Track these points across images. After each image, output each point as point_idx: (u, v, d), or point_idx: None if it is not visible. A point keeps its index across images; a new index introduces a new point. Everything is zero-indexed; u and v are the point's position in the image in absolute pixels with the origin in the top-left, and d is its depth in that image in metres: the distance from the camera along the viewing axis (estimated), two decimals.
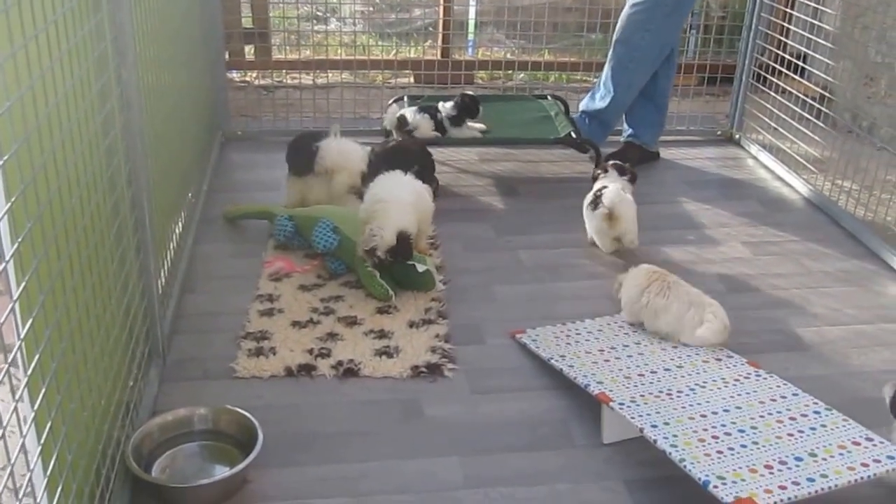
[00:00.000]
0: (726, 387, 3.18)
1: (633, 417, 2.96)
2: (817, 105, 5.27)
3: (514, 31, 6.67)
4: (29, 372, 1.92)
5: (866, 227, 4.70)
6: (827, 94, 5.31)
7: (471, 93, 5.49)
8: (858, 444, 2.85)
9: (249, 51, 6.86)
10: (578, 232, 4.62)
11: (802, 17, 5.56)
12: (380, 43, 7.29)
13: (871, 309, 4.04)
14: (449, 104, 5.32)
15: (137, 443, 2.82)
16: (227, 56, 6.05)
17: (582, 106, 5.65)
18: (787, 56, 5.59)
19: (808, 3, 5.56)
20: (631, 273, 3.71)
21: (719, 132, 6.19)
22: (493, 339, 3.67)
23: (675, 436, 2.85)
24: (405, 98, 5.68)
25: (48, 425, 2.04)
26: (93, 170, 2.58)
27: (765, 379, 3.24)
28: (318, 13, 7.45)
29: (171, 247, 3.88)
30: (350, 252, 3.97)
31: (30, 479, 1.91)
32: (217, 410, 3.02)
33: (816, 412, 3.03)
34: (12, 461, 1.80)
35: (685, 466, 2.71)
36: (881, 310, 4.04)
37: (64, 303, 2.23)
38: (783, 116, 5.56)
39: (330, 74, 6.34)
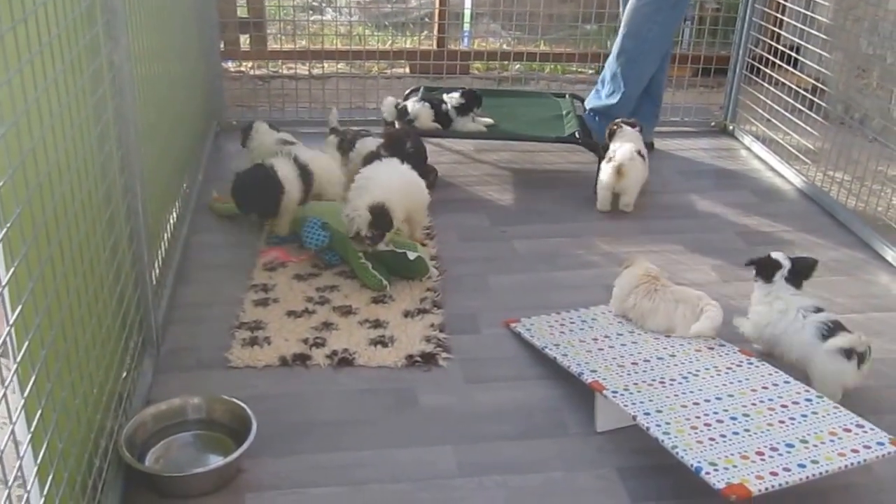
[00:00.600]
0: (719, 375, 3.19)
1: (626, 405, 2.97)
2: (810, 96, 5.29)
3: (510, 21, 6.68)
4: (18, 359, 1.92)
5: (858, 218, 4.72)
6: (820, 86, 5.32)
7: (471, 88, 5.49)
8: (849, 430, 2.86)
9: (245, 40, 6.86)
10: (573, 222, 4.65)
11: (796, 8, 5.58)
12: (376, 33, 7.29)
13: (862, 298, 4.06)
14: (455, 94, 5.32)
15: (131, 432, 2.82)
16: (222, 46, 6.05)
17: (589, 104, 5.61)
18: (780, 48, 5.60)
19: None
20: (629, 268, 3.71)
21: (713, 123, 6.21)
22: (488, 329, 3.68)
23: (667, 423, 2.86)
24: (421, 89, 5.68)
25: (38, 413, 2.04)
26: (84, 156, 2.58)
27: (757, 367, 3.25)
28: (314, 3, 7.46)
29: (166, 236, 3.89)
30: (342, 245, 3.97)
31: (20, 468, 1.91)
32: (211, 400, 3.02)
33: (808, 400, 3.04)
34: (2, 449, 1.80)
35: (678, 453, 2.72)
36: (872, 299, 4.07)
37: (54, 290, 2.23)
38: (777, 108, 5.57)
39: (326, 65, 6.35)
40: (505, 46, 7.09)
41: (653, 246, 4.40)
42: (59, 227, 2.31)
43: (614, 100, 5.43)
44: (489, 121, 5.35)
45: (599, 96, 5.54)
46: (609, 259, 4.22)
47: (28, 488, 1.97)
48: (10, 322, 1.89)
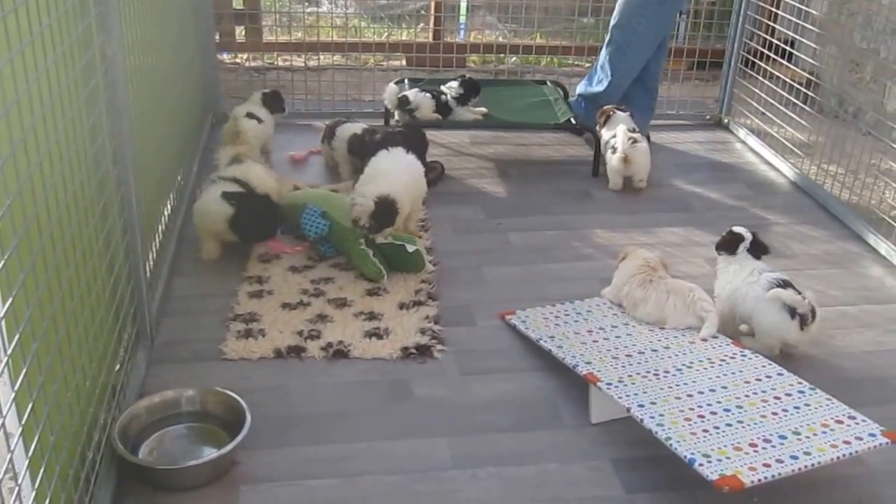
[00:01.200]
0: (712, 367, 3.20)
1: (620, 397, 2.98)
2: (805, 90, 5.30)
3: (506, 14, 6.67)
4: (9, 351, 1.91)
5: (851, 211, 4.73)
6: (814, 80, 5.33)
7: (469, 75, 5.50)
8: (841, 422, 2.87)
9: (240, 32, 6.84)
10: (568, 214, 4.66)
11: (791, 2, 5.58)
12: (372, 25, 7.29)
13: (855, 290, 4.08)
14: (454, 83, 5.33)
15: (124, 425, 2.82)
16: (217, 37, 6.04)
17: (579, 90, 5.67)
18: (775, 41, 5.61)
19: None
20: (630, 257, 3.72)
21: (708, 116, 6.23)
22: (483, 321, 3.69)
23: (661, 415, 2.87)
24: (406, 81, 5.69)
25: (30, 406, 2.03)
26: (76, 147, 2.58)
27: (750, 359, 3.26)
28: None
29: (161, 228, 3.89)
30: (340, 236, 3.97)
31: (10, 461, 1.91)
32: (205, 392, 3.02)
33: (801, 391, 3.05)
34: None
35: (671, 445, 2.73)
36: (865, 291, 4.08)
37: (46, 281, 2.23)
38: (771, 101, 5.59)
39: (322, 57, 6.33)
40: (501, 39, 7.09)
41: (647, 238, 4.41)
42: (51, 219, 2.30)
43: (601, 87, 5.47)
44: (483, 110, 5.37)
45: (590, 83, 5.58)
46: (604, 251, 4.23)
47: (19, 481, 1.97)
48: (1, 314, 1.88)
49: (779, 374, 3.15)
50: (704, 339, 3.38)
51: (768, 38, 5.66)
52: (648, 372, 3.15)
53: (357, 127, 4.83)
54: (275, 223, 4.06)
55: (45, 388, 2.16)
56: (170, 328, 3.54)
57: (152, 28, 3.83)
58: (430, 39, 7.02)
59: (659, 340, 3.39)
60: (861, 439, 2.79)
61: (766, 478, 2.60)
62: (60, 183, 2.40)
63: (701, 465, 2.64)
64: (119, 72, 2.97)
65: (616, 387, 3.04)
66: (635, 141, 4.90)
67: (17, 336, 1.96)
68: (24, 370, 2.00)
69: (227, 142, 4.87)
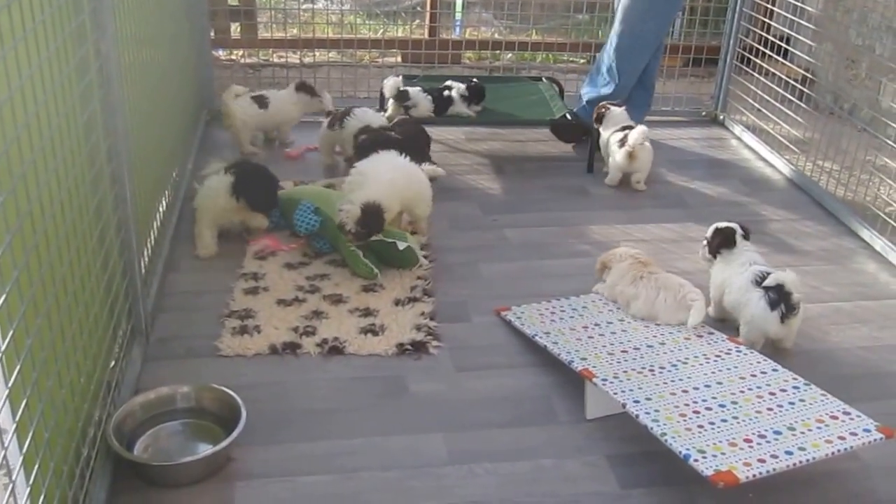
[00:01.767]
0: (707, 363, 3.21)
1: (615, 393, 2.98)
2: (800, 87, 5.31)
3: (502, 10, 6.67)
4: (3, 347, 1.91)
5: (846, 207, 4.74)
6: (810, 76, 5.34)
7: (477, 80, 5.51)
8: (836, 418, 2.88)
9: (235, 28, 6.84)
10: (564, 211, 4.66)
11: None
12: (367, 22, 7.28)
13: (850, 287, 4.08)
14: (461, 85, 5.37)
15: (119, 421, 2.82)
16: (212, 34, 6.03)
17: (585, 95, 5.58)
18: (771, 38, 5.62)
19: None
20: (617, 258, 3.72)
21: (704, 113, 6.24)
22: (479, 317, 3.69)
23: (656, 411, 2.88)
24: (400, 77, 5.68)
25: (24, 402, 2.03)
26: (70, 144, 2.58)
27: (745, 355, 3.26)
28: None
29: (156, 225, 3.88)
30: (333, 232, 3.97)
31: (4, 457, 1.91)
32: (200, 388, 3.02)
33: (795, 387, 3.06)
34: None
35: (666, 440, 2.74)
36: (860, 287, 4.09)
37: (40, 278, 2.23)
38: (767, 98, 5.59)
39: (317, 53, 6.33)
40: (497, 36, 7.09)
41: (643, 234, 4.42)
42: (45, 215, 2.30)
43: (609, 90, 5.43)
44: (478, 108, 5.38)
45: (595, 87, 5.52)
46: (600, 248, 4.22)
47: (13, 477, 1.96)
48: None
49: (774, 370, 3.16)
50: (696, 330, 3.41)
51: (764, 34, 5.67)
52: (644, 368, 3.16)
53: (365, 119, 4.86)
54: (274, 188, 4.14)
55: (40, 385, 2.16)
56: (165, 325, 3.53)
57: (147, 24, 3.82)
58: (426, 36, 7.02)
59: (654, 336, 3.39)
60: (856, 435, 2.79)
61: (761, 473, 2.60)
62: (55, 179, 2.40)
63: (696, 460, 2.64)
64: (113, 68, 2.96)
65: (611, 382, 3.04)
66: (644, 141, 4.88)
67: (10, 332, 1.96)
68: (19, 366, 2.00)
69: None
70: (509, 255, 4.22)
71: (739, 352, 3.28)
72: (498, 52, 7.03)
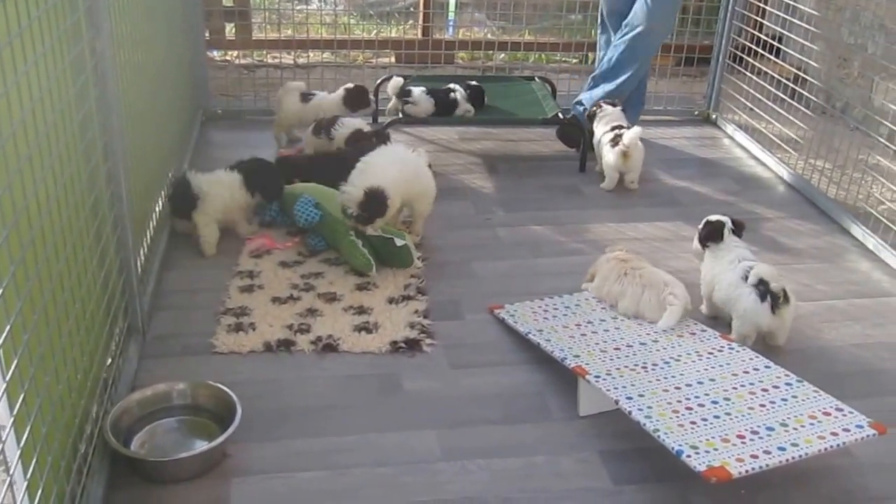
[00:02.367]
0: (700, 360, 3.22)
1: (608, 390, 3.00)
2: (793, 86, 5.33)
3: (495, 11, 6.69)
4: (0, 342, 1.93)
5: (838, 206, 4.76)
6: (802, 75, 5.36)
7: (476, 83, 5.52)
8: (829, 414, 2.89)
9: (230, 29, 6.85)
10: (557, 210, 4.68)
11: None
12: (361, 22, 7.29)
13: (843, 285, 4.10)
14: (460, 87, 5.39)
15: (116, 418, 2.83)
16: (207, 35, 6.04)
17: (587, 101, 5.51)
18: (763, 37, 5.64)
19: None
20: (603, 262, 3.75)
21: (696, 112, 6.26)
22: (472, 315, 3.71)
23: (649, 407, 2.89)
24: (392, 78, 5.72)
25: (21, 397, 2.04)
26: (66, 141, 2.59)
27: (737, 352, 3.28)
28: None
29: (151, 224, 3.90)
30: (331, 228, 3.99)
31: (3, 451, 1.92)
32: (196, 385, 3.04)
33: (788, 384, 3.07)
34: None
35: (659, 437, 2.75)
36: (852, 285, 4.11)
37: (36, 274, 2.24)
38: (759, 97, 5.62)
39: (311, 54, 6.35)
40: (490, 36, 7.10)
41: (635, 233, 4.44)
42: (41, 212, 2.31)
43: (610, 86, 5.42)
44: (469, 107, 5.39)
45: (597, 91, 5.50)
46: (592, 246, 4.25)
47: (11, 471, 1.98)
48: None
49: (766, 367, 3.18)
50: (689, 327, 3.44)
51: (756, 33, 5.69)
52: (636, 365, 3.17)
53: (357, 122, 4.87)
54: (281, 177, 4.27)
55: (37, 380, 2.18)
56: (161, 322, 3.55)
57: (142, 24, 3.83)
58: (419, 36, 7.03)
59: (647, 334, 3.41)
60: (848, 431, 2.80)
61: (753, 469, 2.61)
62: (50, 176, 2.41)
63: (689, 456, 2.65)
64: (109, 67, 2.97)
65: (604, 379, 3.06)
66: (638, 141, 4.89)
67: (7, 327, 1.97)
68: (15, 361, 2.01)
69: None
70: (502, 253, 4.24)
71: (732, 349, 3.30)
72: (491, 52, 7.05)
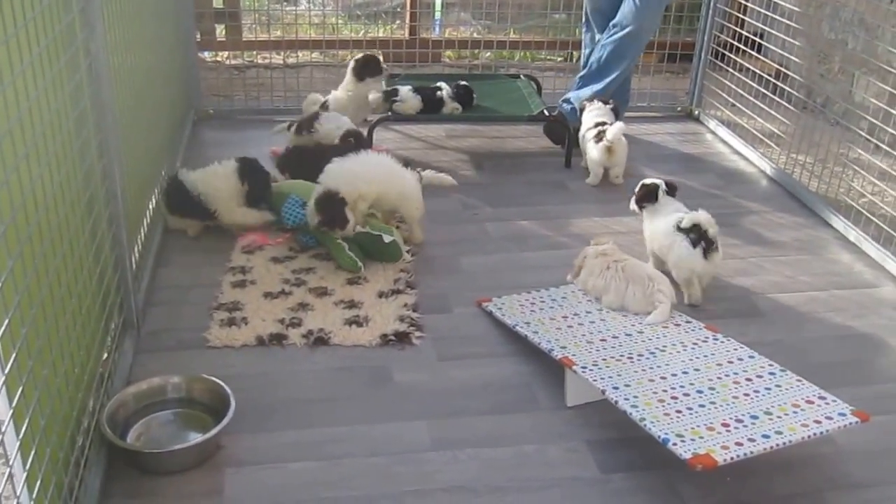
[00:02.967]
0: (685, 350, 3.27)
1: (595, 380, 3.04)
2: (774, 81, 5.39)
3: (481, 10, 6.73)
4: None
5: (820, 199, 4.82)
6: (784, 71, 5.41)
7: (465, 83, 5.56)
8: (812, 402, 2.93)
9: (220, 31, 6.86)
10: (543, 205, 4.73)
11: None
12: (349, 23, 7.33)
13: (825, 276, 4.16)
14: (447, 87, 5.40)
15: (112, 411, 2.87)
16: (198, 36, 6.06)
17: (574, 99, 5.54)
18: (745, 33, 5.69)
19: None
20: (589, 255, 3.81)
21: (679, 108, 6.31)
22: (460, 308, 3.75)
23: (635, 397, 2.93)
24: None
25: (20, 390, 2.07)
26: (62, 140, 2.63)
27: (722, 342, 3.33)
28: None
29: (146, 221, 3.94)
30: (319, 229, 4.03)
31: (2, 443, 1.95)
32: (190, 379, 3.08)
33: (771, 373, 3.11)
34: None
35: (645, 425, 2.79)
36: (834, 277, 4.16)
37: (34, 269, 2.27)
38: (741, 92, 5.67)
39: (300, 54, 6.38)
40: (476, 35, 7.15)
41: (620, 227, 4.49)
42: (38, 209, 2.35)
43: (598, 86, 5.47)
44: (457, 105, 5.43)
45: (587, 90, 5.53)
46: (578, 240, 4.29)
47: (11, 463, 2.01)
48: None
49: (750, 357, 3.22)
50: (673, 319, 3.49)
51: (738, 30, 5.74)
52: (622, 355, 3.22)
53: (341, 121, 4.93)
54: (269, 184, 4.32)
55: (35, 373, 2.21)
56: (156, 317, 3.59)
57: (134, 26, 3.85)
58: (407, 36, 7.07)
59: (633, 325, 3.45)
60: (831, 419, 2.84)
61: (738, 456, 2.64)
62: (47, 174, 2.45)
63: (674, 444, 2.68)
64: (103, 67, 3.01)
65: (591, 370, 3.10)
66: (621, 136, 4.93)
67: (6, 321, 2.00)
68: (14, 354, 2.04)
69: None
70: (490, 248, 4.29)
71: (716, 339, 3.34)
72: (477, 50, 7.09)
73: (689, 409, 2.88)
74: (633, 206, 4.10)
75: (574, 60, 6.78)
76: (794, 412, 2.88)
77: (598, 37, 5.56)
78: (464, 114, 5.40)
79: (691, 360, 3.20)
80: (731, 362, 3.19)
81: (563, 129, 5.34)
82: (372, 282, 3.86)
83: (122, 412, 2.93)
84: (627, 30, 5.30)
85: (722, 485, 2.82)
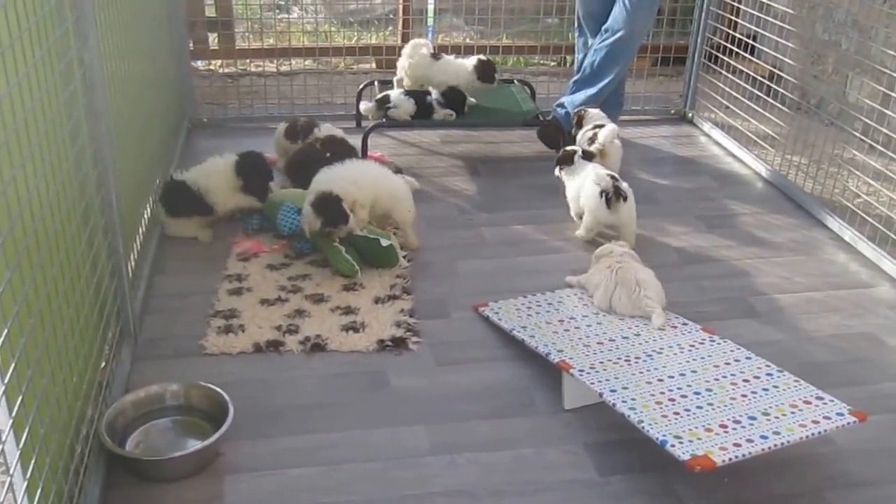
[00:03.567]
0: (682, 352, 3.27)
1: (592, 383, 3.04)
2: (768, 83, 5.40)
3: (473, 16, 6.74)
4: None
5: (815, 200, 4.83)
6: (777, 72, 5.43)
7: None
8: (809, 402, 2.93)
9: (213, 39, 6.87)
10: (538, 209, 4.74)
11: None
12: (341, 30, 7.33)
13: (820, 276, 4.17)
14: (436, 92, 5.38)
15: (111, 419, 2.87)
16: (191, 45, 6.07)
17: (569, 104, 5.54)
18: (738, 36, 5.71)
19: None
20: (606, 252, 3.83)
21: (673, 111, 6.32)
22: (457, 313, 3.75)
23: (633, 399, 2.93)
24: (375, 83, 5.79)
25: (19, 399, 2.08)
26: (57, 149, 2.63)
27: (719, 344, 3.33)
28: (281, 2, 7.50)
29: (141, 230, 3.94)
30: (315, 235, 4.03)
31: (3, 452, 1.96)
32: (188, 386, 3.08)
33: (769, 374, 3.12)
34: None
35: (643, 427, 2.79)
36: (829, 277, 4.17)
37: (32, 279, 2.28)
38: (735, 94, 5.68)
39: (293, 62, 6.39)
40: (468, 40, 7.15)
41: (613, 233, 4.45)
42: (35, 219, 2.35)
43: (592, 90, 5.48)
44: (449, 111, 5.43)
45: (581, 95, 5.54)
46: (573, 244, 4.32)
47: (11, 472, 2.01)
48: None
49: (747, 358, 3.22)
50: (670, 321, 3.49)
51: (731, 32, 5.76)
52: (619, 358, 3.22)
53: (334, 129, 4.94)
54: (268, 180, 4.40)
55: (34, 383, 2.21)
56: (152, 326, 3.59)
57: (128, 35, 3.86)
58: (399, 42, 7.07)
59: (629, 328, 3.46)
60: (829, 419, 2.84)
61: (736, 457, 2.64)
62: (43, 184, 2.45)
63: (672, 446, 2.68)
64: (97, 76, 3.01)
65: (588, 373, 3.10)
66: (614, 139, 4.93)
67: (5, 331, 2.00)
68: (13, 364, 2.04)
69: None
70: (486, 252, 4.29)
71: (713, 341, 3.35)
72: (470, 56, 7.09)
73: (687, 410, 2.89)
74: (556, 172, 4.61)
75: (567, 65, 6.81)
76: (792, 412, 2.88)
77: (590, 41, 5.57)
78: (458, 119, 5.40)
79: (689, 361, 3.21)
80: (728, 363, 3.19)
81: (558, 134, 5.35)
82: (368, 288, 3.87)
83: (121, 420, 2.93)
84: (619, 34, 5.30)
85: (720, 485, 2.83)
